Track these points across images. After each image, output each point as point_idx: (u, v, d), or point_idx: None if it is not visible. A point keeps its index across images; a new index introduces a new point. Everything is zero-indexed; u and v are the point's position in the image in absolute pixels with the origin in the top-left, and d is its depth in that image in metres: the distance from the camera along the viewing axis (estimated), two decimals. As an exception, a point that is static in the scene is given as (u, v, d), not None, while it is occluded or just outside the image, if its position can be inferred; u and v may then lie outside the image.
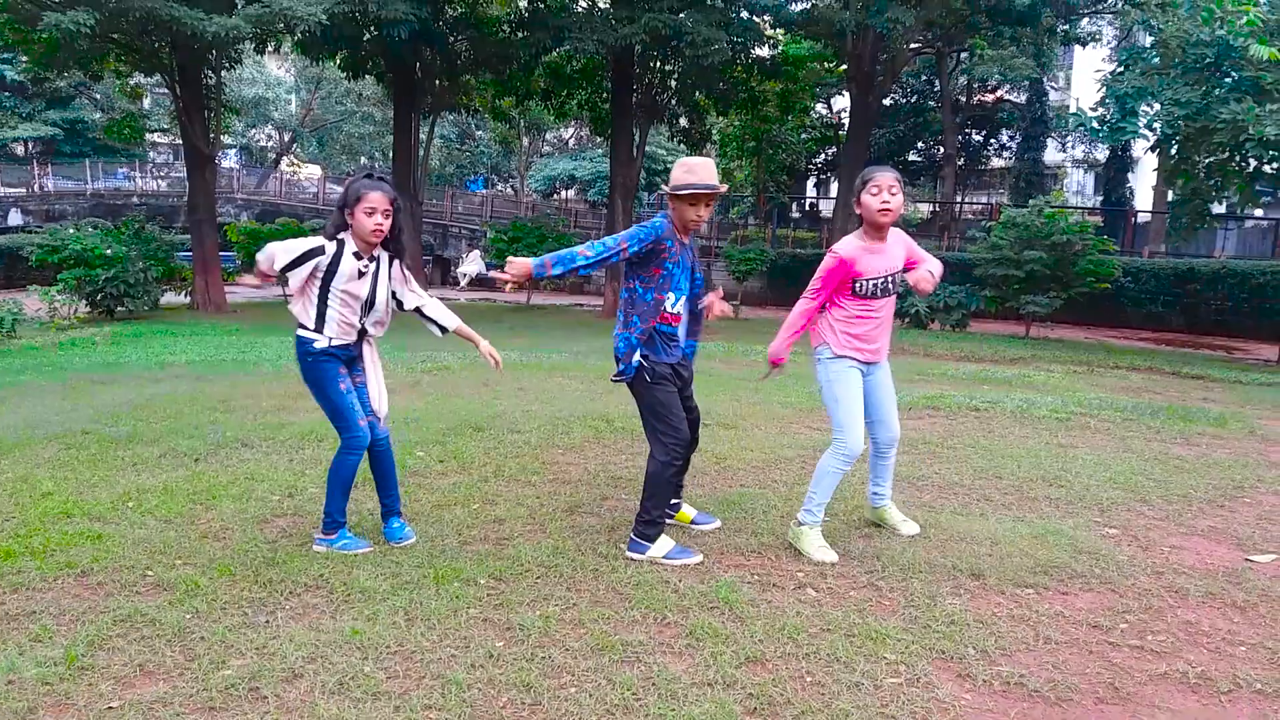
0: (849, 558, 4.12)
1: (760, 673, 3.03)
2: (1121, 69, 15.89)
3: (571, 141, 49.93)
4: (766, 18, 20.15)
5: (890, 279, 4.11)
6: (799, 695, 2.87)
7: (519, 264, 3.86)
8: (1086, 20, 26.02)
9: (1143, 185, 33.69)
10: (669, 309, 4.07)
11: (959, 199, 33.49)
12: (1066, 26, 19.52)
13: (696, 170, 4.02)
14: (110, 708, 2.76)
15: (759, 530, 4.52)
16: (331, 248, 3.95)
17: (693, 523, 4.49)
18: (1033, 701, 2.90)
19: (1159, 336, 19.77)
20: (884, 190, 3.97)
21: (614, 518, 4.72)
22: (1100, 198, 34.55)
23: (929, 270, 4.21)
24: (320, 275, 3.95)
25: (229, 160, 43.43)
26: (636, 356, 4.02)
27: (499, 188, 49.39)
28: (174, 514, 4.62)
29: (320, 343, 4.01)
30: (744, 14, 19.63)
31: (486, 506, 4.82)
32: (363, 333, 4.12)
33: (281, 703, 2.79)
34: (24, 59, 28.57)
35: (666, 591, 3.68)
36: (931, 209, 32.89)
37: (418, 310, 4.23)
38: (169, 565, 3.90)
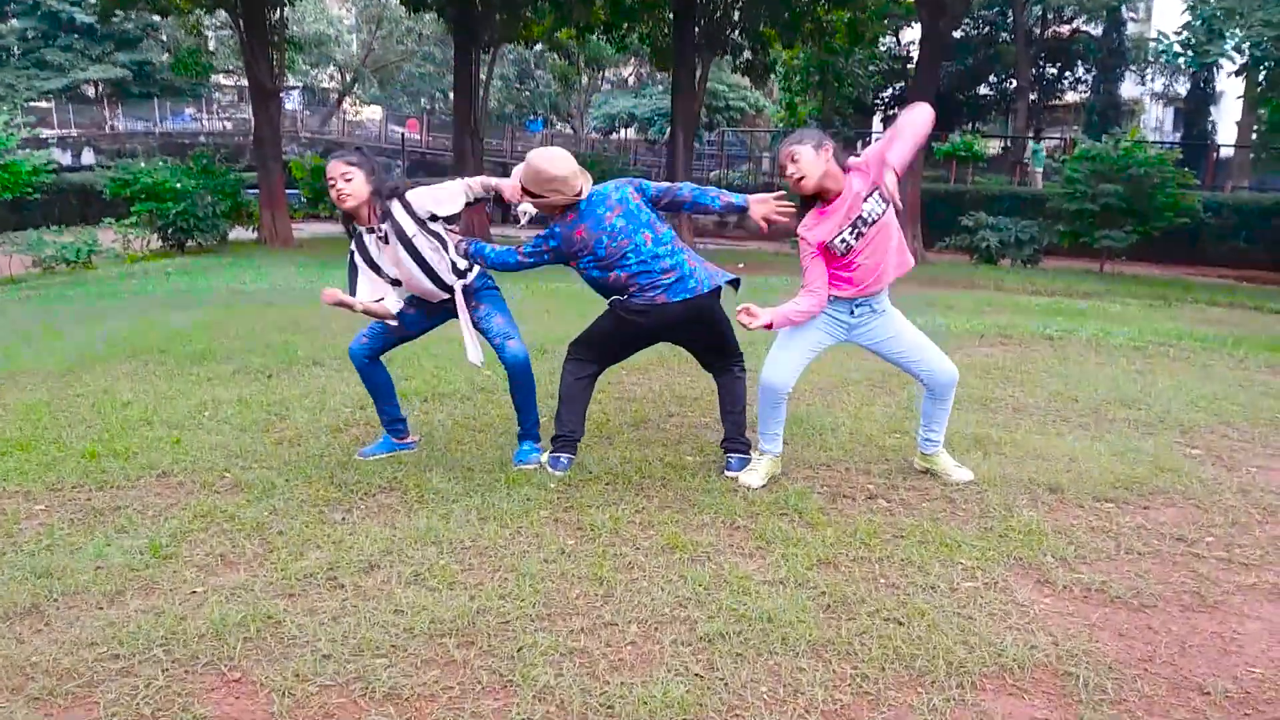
0: (920, 474, 4.05)
1: (833, 574, 3.00)
2: (1209, -10, 15.15)
3: (631, 79, 49.25)
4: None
5: (856, 221, 3.60)
6: (873, 595, 2.84)
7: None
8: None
9: (1225, 120, 32.26)
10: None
11: (1031, 134, 32.45)
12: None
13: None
14: (194, 592, 2.83)
15: (826, 444, 4.47)
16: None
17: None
18: (1115, 607, 2.83)
19: (1241, 273, 19.04)
20: (787, 163, 3.59)
21: (680, 433, 4.70)
22: (1180, 134, 33.20)
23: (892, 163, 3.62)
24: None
25: (291, 102, 43.71)
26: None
27: (558, 127, 49.06)
28: (249, 423, 4.71)
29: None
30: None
31: (549, 425, 4.83)
32: (446, 288, 3.97)
33: (360, 590, 2.84)
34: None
35: (735, 499, 3.66)
36: (1002, 145, 31.92)
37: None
38: (246, 467, 3.98)
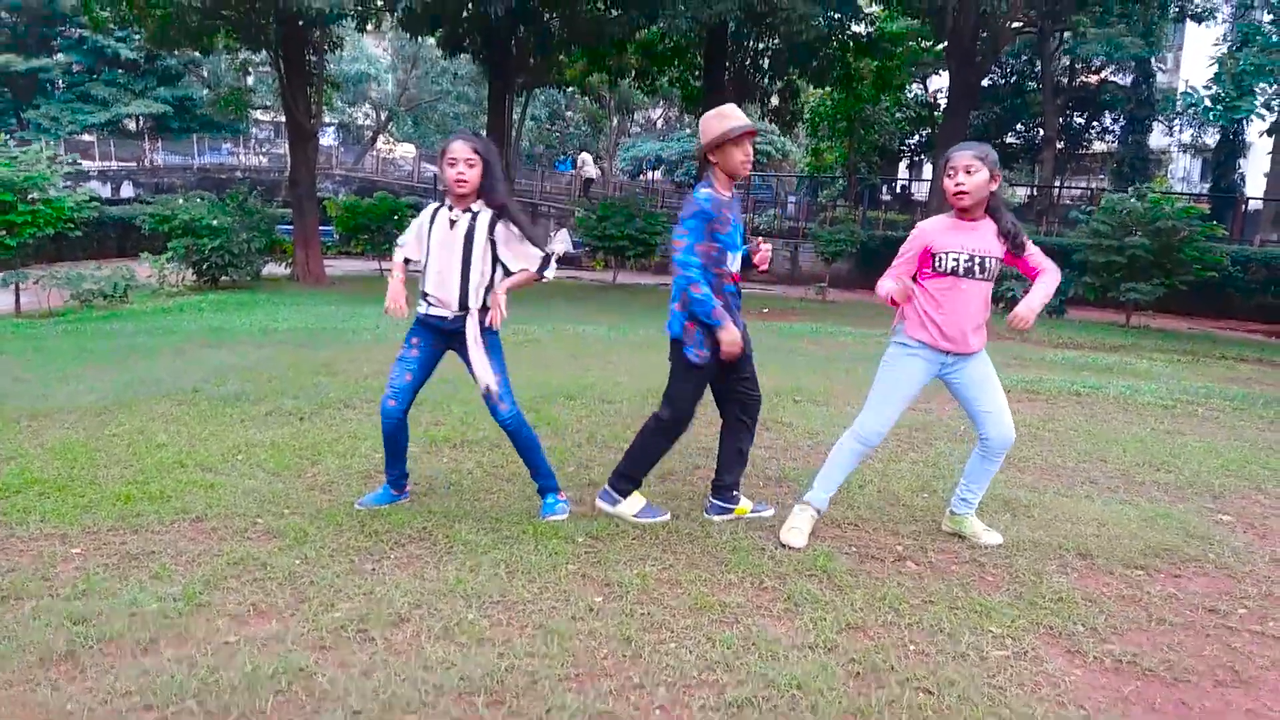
0: (948, 536, 4.04)
1: (862, 639, 2.99)
2: (1238, 46, 15.14)
3: (660, 123, 49.81)
4: (864, -7, 19.78)
5: (978, 260, 3.70)
6: (903, 663, 2.83)
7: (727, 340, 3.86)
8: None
9: (1254, 172, 32.08)
10: (730, 268, 3.96)
11: (1058, 184, 32.40)
12: (1180, 3, 18.61)
13: (730, 115, 3.87)
14: (226, 642, 2.86)
15: (854, 503, 4.47)
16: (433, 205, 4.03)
17: (752, 512, 4.23)
18: (1147, 681, 2.81)
19: (1270, 328, 18.87)
20: (959, 171, 3.64)
21: (705, 486, 4.70)
22: (1208, 185, 33.06)
23: (1033, 299, 3.73)
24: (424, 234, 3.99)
25: (327, 138, 44.46)
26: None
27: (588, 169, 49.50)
28: (281, 467, 4.76)
29: (420, 307, 4.01)
30: (841, -10, 19.28)
31: (581, 470, 4.87)
32: (465, 305, 3.91)
33: (389, 645, 2.86)
34: (139, 36, 29.65)
35: (763, 558, 3.67)
36: (1029, 193, 31.91)
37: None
38: (278, 514, 4.03)
